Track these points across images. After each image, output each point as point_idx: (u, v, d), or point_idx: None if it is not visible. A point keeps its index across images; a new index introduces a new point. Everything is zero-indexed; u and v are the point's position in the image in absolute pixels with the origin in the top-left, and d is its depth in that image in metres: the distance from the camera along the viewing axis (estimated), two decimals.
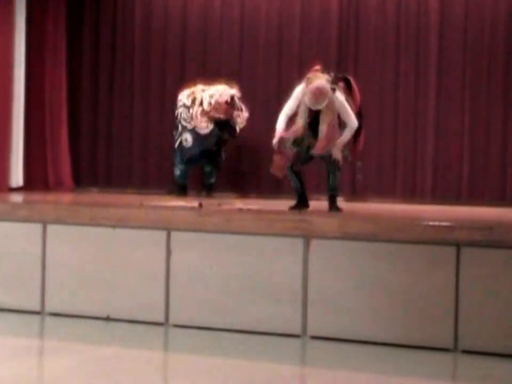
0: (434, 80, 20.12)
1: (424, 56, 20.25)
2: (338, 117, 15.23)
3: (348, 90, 15.57)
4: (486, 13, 19.91)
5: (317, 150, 15.16)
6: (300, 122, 15.06)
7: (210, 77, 21.26)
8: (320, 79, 15.02)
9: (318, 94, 14.85)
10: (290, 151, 15.35)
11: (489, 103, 19.82)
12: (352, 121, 15.29)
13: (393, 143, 20.36)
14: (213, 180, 21.12)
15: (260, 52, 21.76)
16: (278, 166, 15.54)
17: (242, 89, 20.75)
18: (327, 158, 15.27)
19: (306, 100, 14.88)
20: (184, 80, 21.63)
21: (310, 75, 15.20)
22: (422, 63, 20.34)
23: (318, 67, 15.45)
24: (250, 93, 21.09)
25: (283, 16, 21.57)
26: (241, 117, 20.62)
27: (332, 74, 15.49)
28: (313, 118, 15.04)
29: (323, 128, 15.04)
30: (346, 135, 15.37)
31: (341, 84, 15.53)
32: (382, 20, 20.45)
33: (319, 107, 14.92)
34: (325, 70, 15.61)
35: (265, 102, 21.18)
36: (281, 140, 15.23)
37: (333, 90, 15.02)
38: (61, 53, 21.84)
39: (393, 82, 20.46)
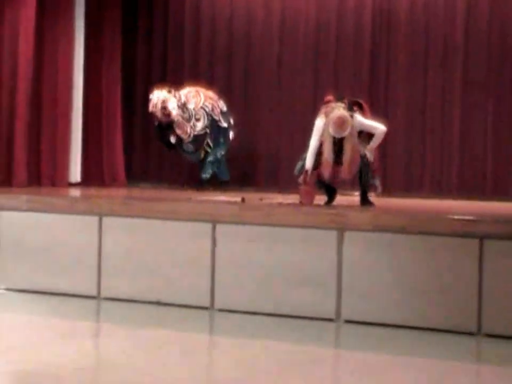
0: (460, 83, 19.83)
1: (452, 59, 20.06)
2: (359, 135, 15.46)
3: (361, 113, 15.71)
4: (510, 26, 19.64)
5: (345, 175, 15.51)
6: (325, 154, 15.31)
7: (251, 79, 21.41)
8: (338, 109, 15.28)
9: (341, 123, 15.09)
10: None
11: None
12: (379, 128, 15.53)
13: (422, 142, 20.14)
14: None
15: (299, 57, 21.43)
16: (306, 196, 15.93)
17: (282, 90, 20.77)
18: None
19: (331, 130, 15.08)
20: (229, 82, 21.72)
21: (327, 108, 15.50)
22: (450, 64, 20.10)
23: (330, 97, 15.69)
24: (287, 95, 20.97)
25: (320, 28, 21.26)
26: (184, 125, 20.00)
27: (346, 101, 15.65)
28: (337, 144, 15.21)
29: (348, 153, 15.23)
30: (376, 140, 15.61)
31: (355, 108, 15.67)
32: (411, 30, 20.24)
33: (344, 135, 15.11)
34: (338, 97, 15.84)
35: (299, 104, 20.92)
36: (306, 174, 15.53)
37: (351, 116, 15.24)
38: (116, 60, 21.95)
39: (422, 85, 20.18)
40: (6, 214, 16.49)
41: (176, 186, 20.71)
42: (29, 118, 19.75)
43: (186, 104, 19.87)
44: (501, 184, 19.29)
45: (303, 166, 15.59)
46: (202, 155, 20.25)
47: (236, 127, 20.89)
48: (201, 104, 20.03)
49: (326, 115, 15.26)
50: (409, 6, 20.11)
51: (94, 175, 21.27)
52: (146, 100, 20.86)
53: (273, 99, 21.09)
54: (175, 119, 19.76)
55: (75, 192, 19.67)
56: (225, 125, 20.23)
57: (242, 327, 13.94)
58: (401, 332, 13.27)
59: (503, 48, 19.46)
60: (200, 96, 20.15)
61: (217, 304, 14.80)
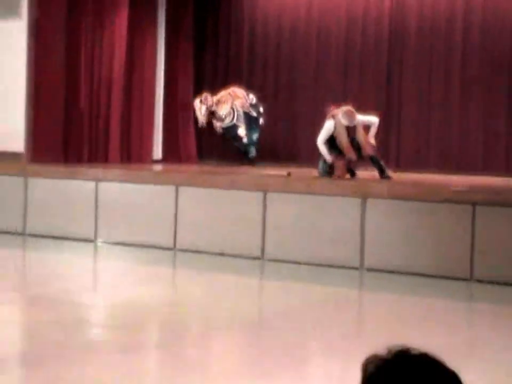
0: (458, 79, 19.00)
1: (451, 58, 19.37)
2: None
3: None
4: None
5: (368, 152, 16.20)
6: (343, 142, 16.02)
7: (293, 80, 21.08)
8: (342, 107, 16.16)
9: (351, 113, 15.99)
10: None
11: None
12: (373, 119, 16.41)
13: (428, 129, 19.62)
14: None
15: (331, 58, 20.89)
16: (341, 171, 16.33)
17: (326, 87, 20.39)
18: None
19: (343, 121, 15.94)
20: (276, 83, 21.49)
21: (332, 112, 16.26)
22: (449, 62, 19.42)
23: (333, 107, 16.48)
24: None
25: (347, 38, 20.58)
26: (214, 123, 20.69)
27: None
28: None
29: (361, 137, 16.13)
30: (374, 129, 16.37)
31: None
32: (420, 31, 19.56)
33: (354, 123, 16.03)
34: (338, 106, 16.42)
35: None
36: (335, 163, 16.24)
37: None
38: (188, 61, 22.01)
39: (428, 82, 19.50)
40: (103, 185, 17.19)
41: (236, 163, 20.50)
42: (122, 109, 20.36)
43: (215, 107, 20.25)
44: (493, 161, 18.87)
45: (325, 162, 16.35)
46: (246, 141, 20.52)
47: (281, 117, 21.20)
48: (230, 105, 20.24)
49: (334, 116, 16.08)
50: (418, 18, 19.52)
51: (172, 153, 21.58)
52: (214, 87, 21.25)
53: (304, 96, 20.66)
54: (205, 120, 20.43)
55: (157, 167, 20.29)
56: (255, 114, 20.38)
57: (285, 274, 14.69)
58: (409, 277, 13.92)
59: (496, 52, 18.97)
60: (230, 98, 20.35)
61: (267, 256, 15.40)
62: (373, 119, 16.40)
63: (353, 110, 16.15)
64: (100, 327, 11.48)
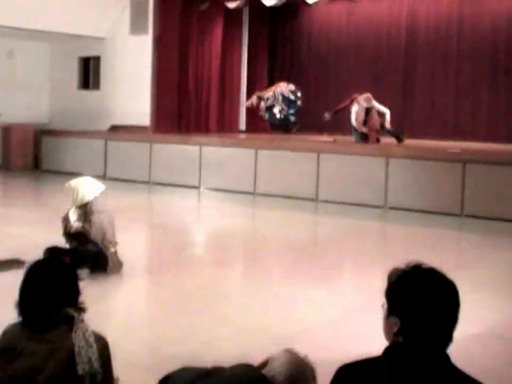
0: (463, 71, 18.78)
1: (458, 54, 18.88)
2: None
3: None
4: None
5: (388, 125, 16.45)
6: (359, 119, 16.30)
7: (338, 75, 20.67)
8: (363, 94, 16.32)
9: (369, 98, 16.23)
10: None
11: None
12: (385, 109, 16.51)
13: (434, 103, 19.10)
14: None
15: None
16: (372, 139, 16.44)
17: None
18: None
19: (365, 103, 16.19)
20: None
21: (356, 99, 16.41)
22: (459, 56, 18.87)
23: (356, 95, 16.50)
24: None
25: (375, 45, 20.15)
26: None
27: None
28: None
29: (375, 116, 16.34)
30: (388, 118, 16.43)
31: None
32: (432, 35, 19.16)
33: (371, 105, 16.26)
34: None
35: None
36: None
37: None
38: (264, 61, 22.01)
39: (439, 72, 19.10)
40: (205, 148, 17.34)
41: (296, 132, 20.44)
42: (217, 95, 20.58)
43: (262, 93, 20.25)
44: (478, 131, 18.38)
45: (357, 132, 16.50)
46: (278, 116, 20.37)
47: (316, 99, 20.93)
48: (273, 91, 20.13)
49: (357, 102, 16.26)
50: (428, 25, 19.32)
51: (252, 125, 21.44)
52: (282, 79, 21.13)
53: (340, 85, 19.89)
54: (254, 102, 20.43)
55: (242, 136, 20.27)
56: (292, 97, 20.14)
57: (332, 211, 14.73)
58: (418, 213, 13.98)
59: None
60: (274, 87, 20.29)
61: (320, 197, 15.46)
62: (385, 109, 16.47)
63: (370, 96, 16.33)
64: (200, 247, 11.73)
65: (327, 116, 17.80)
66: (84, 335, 3.41)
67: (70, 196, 8.55)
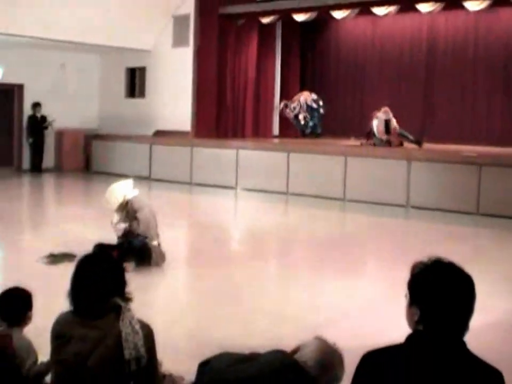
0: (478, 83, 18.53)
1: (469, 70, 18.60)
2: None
3: None
4: None
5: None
6: (380, 129, 16.40)
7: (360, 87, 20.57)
8: (382, 108, 16.46)
9: (387, 111, 16.40)
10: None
11: None
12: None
13: (452, 111, 18.69)
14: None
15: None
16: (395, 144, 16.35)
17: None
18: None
19: (384, 116, 16.37)
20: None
21: (376, 114, 16.56)
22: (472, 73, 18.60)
23: (375, 111, 16.69)
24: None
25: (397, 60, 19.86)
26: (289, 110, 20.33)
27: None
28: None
29: (395, 124, 16.51)
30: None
31: None
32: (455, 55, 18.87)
33: (390, 117, 16.40)
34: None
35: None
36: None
37: None
38: (296, 70, 21.81)
39: (459, 85, 18.68)
40: (242, 151, 17.36)
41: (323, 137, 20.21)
42: (253, 102, 20.43)
43: (289, 102, 20.04)
44: (493, 136, 17.99)
45: (380, 140, 16.42)
46: (303, 123, 20.11)
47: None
48: (298, 100, 19.93)
49: (377, 117, 16.44)
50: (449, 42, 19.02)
51: (284, 131, 21.20)
52: (314, 88, 20.95)
53: (366, 95, 19.83)
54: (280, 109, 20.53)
55: (275, 140, 20.11)
56: (315, 106, 19.90)
57: (358, 209, 14.67)
58: (438, 212, 13.94)
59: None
60: (299, 96, 20.06)
61: (347, 197, 15.42)
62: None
63: (388, 109, 16.47)
64: (237, 243, 11.72)
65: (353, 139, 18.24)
66: (130, 322, 3.47)
67: (108, 206, 8.70)
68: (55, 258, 8.75)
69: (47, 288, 6.68)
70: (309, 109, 19.94)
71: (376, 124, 16.52)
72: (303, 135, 20.37)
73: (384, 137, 16.36)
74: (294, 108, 20.03)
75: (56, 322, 3.62)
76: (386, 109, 16.58)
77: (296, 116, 20.05)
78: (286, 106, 20.17)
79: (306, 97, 20.01)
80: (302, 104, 19.90)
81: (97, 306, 3.50)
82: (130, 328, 3.44)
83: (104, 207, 8.86)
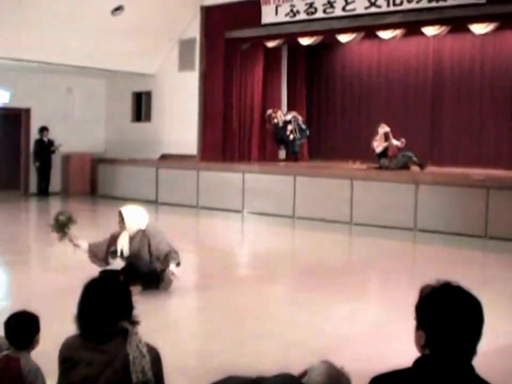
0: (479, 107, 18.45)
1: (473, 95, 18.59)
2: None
3: None
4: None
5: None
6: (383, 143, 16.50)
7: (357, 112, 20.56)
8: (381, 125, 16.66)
9: (385, 125, 16.69)
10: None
11: None
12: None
13: (458, 134, 18.72)
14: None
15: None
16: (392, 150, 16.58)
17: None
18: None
19: (381, 130, 16.67)
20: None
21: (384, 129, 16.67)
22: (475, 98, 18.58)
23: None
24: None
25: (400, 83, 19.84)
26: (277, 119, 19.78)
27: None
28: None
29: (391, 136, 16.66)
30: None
31: None
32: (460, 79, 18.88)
33: (387, 129, 16.67)
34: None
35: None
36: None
37: None
38: (302, 93, 21.83)
39: (464, 111, 18.70)
40: (248, 175, 17.42)
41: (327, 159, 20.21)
42: (260, 125, 20.41)
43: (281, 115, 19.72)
44: (501, 160, 17.81)
45: (382, 155, 16.64)
46: (287, 134, 19.63)
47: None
48: (295, 114, 19.81)
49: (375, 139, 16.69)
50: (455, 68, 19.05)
51: (290, 154, 20.75)
52: (320, 111, 21.32)
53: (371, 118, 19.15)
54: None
55: (281, 164, 19.84)
56: (304, 126, 19.75)
57: (365, 232, 14.64)
58: (446, 235, 13.92)
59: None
60: (290, 115, 19.84)
61: (354, 220, 15.40)
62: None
63: (384, 124, 16.79)
64: (243, 267, 11.71)
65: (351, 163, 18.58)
66: (137, 346, 3.46)
67: (120, 220, 8.71)
68: (61, 232, 8.96)
69: (54, 311, 6.68)
70: (299, 127, 19.82)
71: (376, 139, 16.70)
72: (276, 142, 20.34)
73: (385, 144, 16.56)
74: (286, 116, 19.78)
75: (63, 345, 3.64)
76: (382, 124, 16.81)
77: (285, 125, 19.66)
78: (273, 113, 19.78)
79: (299, 116, 19.90)
80: (296, 118, 19.74)
81: (104, 330, 3.50)
82: (138, 352, 3.44)
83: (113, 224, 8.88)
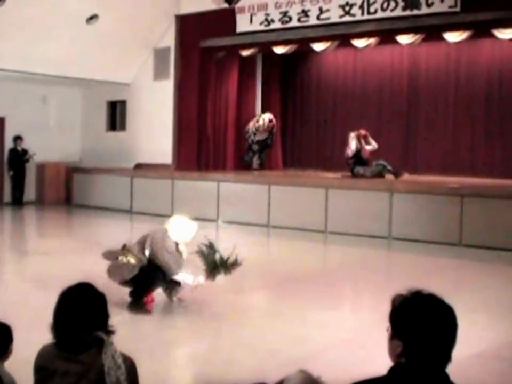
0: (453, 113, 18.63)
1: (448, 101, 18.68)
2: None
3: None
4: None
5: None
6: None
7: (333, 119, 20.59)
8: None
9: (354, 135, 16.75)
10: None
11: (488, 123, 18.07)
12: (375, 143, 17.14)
13: (432, 144, 18.79)
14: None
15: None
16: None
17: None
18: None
19: (353, 133, 16.91)
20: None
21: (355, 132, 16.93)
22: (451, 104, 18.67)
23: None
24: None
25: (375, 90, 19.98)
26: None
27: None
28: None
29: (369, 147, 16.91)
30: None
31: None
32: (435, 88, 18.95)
33: (357, 133, 16.92)
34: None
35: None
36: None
37: None
38: (277, 100, 21.78)
39: (438, 116, 18.82)
40: (223, 184, 17.38)
41: (305, 169, 20.38)
42: (234, 135, 20.52)
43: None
44: (476, 167, 18.11)
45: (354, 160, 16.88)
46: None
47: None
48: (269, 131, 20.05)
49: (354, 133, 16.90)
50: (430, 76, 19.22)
51: (266, 163, 20.97)
52: (294, 120, 21.40)
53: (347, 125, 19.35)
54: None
55: (256, 173, 19.62)
56: (269, 142, 20.09)
57: (339, 241, 14.65)
58: (420, 243, 13.98)
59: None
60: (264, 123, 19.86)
61: (329, 229, 15.42)
62: (375, 144, 17.17)
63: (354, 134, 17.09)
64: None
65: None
66: (113, 357, 3.43)
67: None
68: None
69: (27, 320, 6.64)
70: (263, 144, 20.08)
71: (349, 145, 16.86)
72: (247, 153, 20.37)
73: (352, 149, 16.80)
74: (258, 129, 19.89)
75: (38, 355, 3.60)
76: (351, 133, 16.98)
77: (255, 135, 19.88)
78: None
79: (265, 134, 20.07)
80: (264, 133, 19.99)
81: (80, 340, 3.46)
82: (113, 363, 3.40)
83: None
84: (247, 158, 20.29)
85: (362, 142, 16.83)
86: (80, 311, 3.49)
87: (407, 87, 19.63)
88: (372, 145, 16.92)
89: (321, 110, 21.37)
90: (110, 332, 3.56)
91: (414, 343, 2.74)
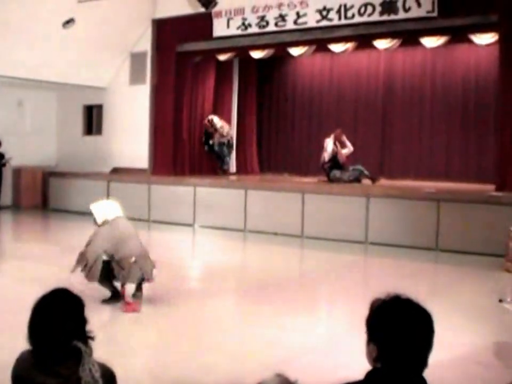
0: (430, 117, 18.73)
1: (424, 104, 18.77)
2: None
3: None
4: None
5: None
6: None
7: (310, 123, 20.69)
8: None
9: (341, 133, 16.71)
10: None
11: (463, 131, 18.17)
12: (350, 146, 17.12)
13: (410, 147, 18.87)
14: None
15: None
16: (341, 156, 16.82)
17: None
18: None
19: (329, 139, 16.82)
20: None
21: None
22: (427, 107, 18.78)
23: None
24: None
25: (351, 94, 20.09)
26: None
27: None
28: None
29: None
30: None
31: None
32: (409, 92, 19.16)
33: (333, 137, 16.89)
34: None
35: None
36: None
37: None
38: (253, 105, 21.85)
39: (413, 119, 18.94)
40: (199, 188, 17.34)
41: (281, 174, 20.39)
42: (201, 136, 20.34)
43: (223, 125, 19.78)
44: (451, 172, 18.29)
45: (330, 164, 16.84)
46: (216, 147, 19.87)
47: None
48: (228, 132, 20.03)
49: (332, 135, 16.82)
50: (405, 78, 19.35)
51: (242, 167, 21.23)
52: (271, 124, 21.40)
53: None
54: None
55: (233, 177, 19.77)
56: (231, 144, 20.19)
57: (316, 246, 14.62)
58: (397, 248, 13.98)
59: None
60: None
61: (305, 233, 15.41)
62: (350, 147, 17.18)
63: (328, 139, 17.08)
64: (195, 280, 11.68)
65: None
66: (90, 370, 3.33)
67: None
68: None
69: (1, 324, 6.61)
70: (229, 146, 20.10)
71: (325, 148, 16.87)
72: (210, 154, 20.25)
73: (334, 148, 16.82)
74: (224, 132, 19.80)
75: (16, 362, 3.51)
76: (326, 139, 16.97)
77: (221, 138, 19.80)
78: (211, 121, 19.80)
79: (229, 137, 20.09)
80: (230, 137, 20.01)
81: (56, 350, 3.35)
82: (90, 377, 3.31)
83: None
84: (225, 167, 20.12)
85: (338, 146, 16.85)
86: (56, 317, 3.39)
87: (384, 92, 19.70)
88: (347, 148, 16.95)
89: (298, 115, 21.41)
90: (88, 338, 3.48)
91: (388, 347, 2.73)
